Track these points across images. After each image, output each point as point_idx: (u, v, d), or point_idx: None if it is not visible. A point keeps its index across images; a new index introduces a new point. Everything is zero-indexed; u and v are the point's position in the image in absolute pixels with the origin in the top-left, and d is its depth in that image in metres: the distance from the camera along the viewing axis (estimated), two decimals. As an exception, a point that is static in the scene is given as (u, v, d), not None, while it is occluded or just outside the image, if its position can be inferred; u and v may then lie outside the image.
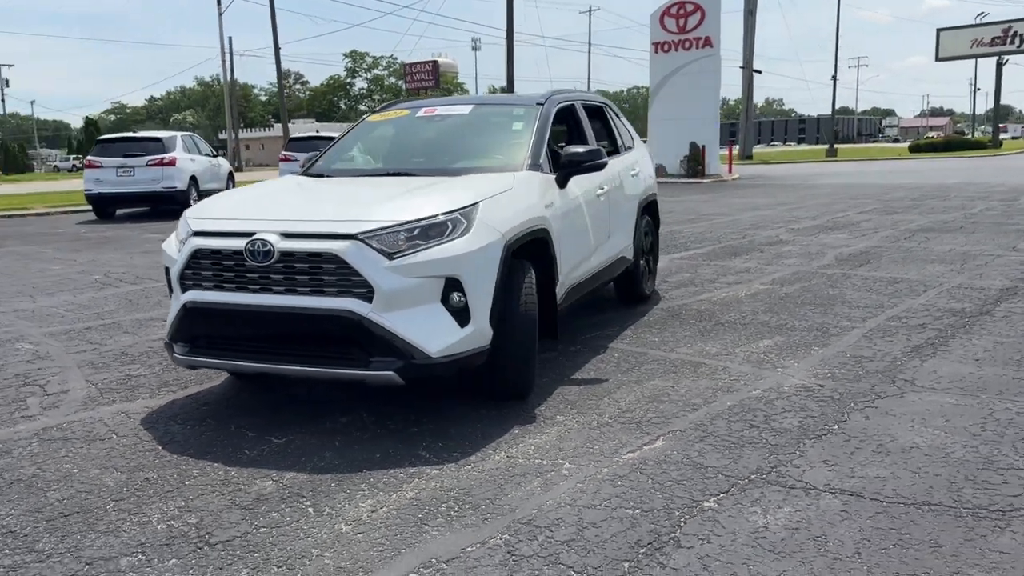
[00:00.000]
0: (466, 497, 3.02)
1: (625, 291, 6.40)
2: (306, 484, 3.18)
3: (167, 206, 15.87)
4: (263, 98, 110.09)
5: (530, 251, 4.20)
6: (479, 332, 3.70)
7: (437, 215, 3.70)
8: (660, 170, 29.02)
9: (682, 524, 2.76)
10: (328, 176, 4.97)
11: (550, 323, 4.49)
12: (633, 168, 6.27)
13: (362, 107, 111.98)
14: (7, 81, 65.30)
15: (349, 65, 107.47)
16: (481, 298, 3.70)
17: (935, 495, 2.93)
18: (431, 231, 3.64)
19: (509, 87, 32.42)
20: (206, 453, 3.52)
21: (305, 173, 5.12)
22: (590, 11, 77.91)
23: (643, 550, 2.59)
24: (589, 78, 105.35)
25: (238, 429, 3.81)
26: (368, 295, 3.49)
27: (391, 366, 3.52)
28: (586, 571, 2.47)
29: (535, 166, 4.58)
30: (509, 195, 4.11)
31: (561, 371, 4.64)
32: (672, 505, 2.90)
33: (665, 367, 4.66)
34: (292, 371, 3.71)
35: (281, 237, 3.60)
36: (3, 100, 67.34)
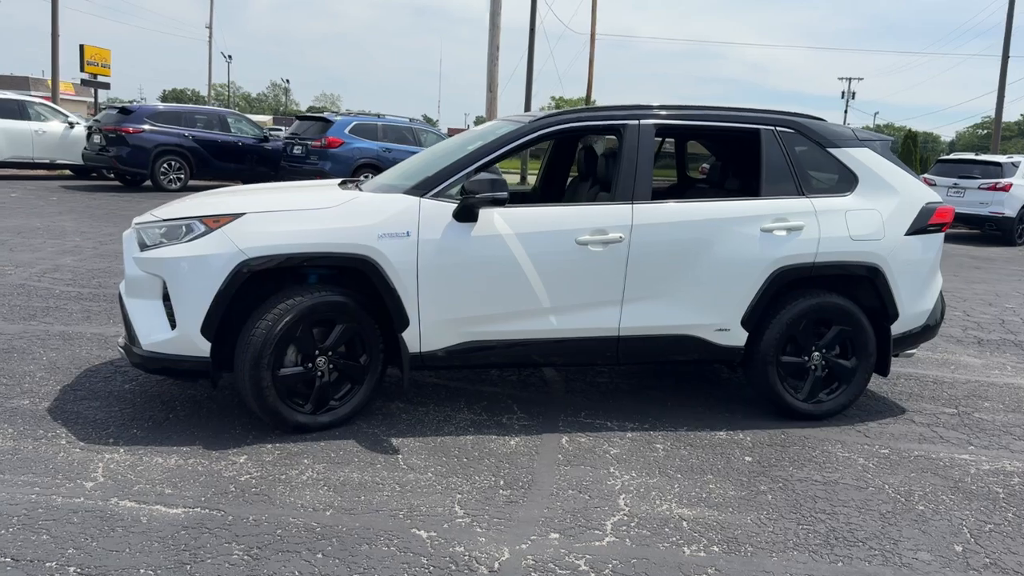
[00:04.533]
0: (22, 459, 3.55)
1: (758, 392, 4.47)
2: (69, 411, 4.06)
3: (991, 231, 15.45)
4: None
5: (336, 278, 3.90)
6: (186, 340, 3.69)
7: (178, 218, 3.86)
8: None
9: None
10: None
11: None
12: (780, 219, 4.25)
13: None
14: (853, 94, 69.11)
15: None
16: (189, 306, 3.68)
17: None
18: (174, 232, 3.82)
19: None
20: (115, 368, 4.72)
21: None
22: None
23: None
24: None
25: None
26: None
27: (129, 348, 3.91)
28: None
29: (420, 191, 3.97)
30: (314, 213, 3.84)
31: (414, 424, 4.17)
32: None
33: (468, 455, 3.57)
34: None
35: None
36: (846, 112, 72.23)
